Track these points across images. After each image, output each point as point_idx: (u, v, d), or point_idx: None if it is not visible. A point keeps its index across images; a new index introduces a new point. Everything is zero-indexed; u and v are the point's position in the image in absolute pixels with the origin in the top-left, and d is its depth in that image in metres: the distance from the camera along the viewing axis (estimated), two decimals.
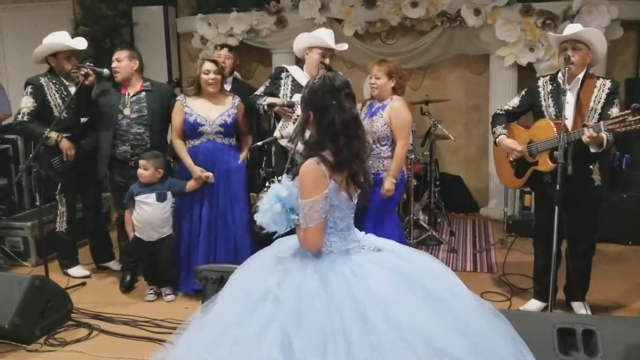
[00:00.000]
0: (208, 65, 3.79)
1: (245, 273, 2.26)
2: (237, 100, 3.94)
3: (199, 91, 3.83)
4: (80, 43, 4.09)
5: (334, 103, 2.11)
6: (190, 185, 3.80)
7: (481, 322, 2.06)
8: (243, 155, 3.95)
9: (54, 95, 4.01)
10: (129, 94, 3.98)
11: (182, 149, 3.82)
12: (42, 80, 4.01)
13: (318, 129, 2.13)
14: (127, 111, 3.94)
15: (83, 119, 4.11)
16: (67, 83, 4.07)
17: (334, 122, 2.10)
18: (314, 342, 1.89)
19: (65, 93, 4.04)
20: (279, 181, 2.14)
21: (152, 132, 3.95)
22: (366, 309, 1.94)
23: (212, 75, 3.78)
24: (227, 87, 4.43)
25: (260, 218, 2.12)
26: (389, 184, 3.52)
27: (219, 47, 4.71)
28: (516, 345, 2.10)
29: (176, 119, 3.83)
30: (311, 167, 2.07)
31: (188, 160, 3.78)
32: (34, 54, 4.03)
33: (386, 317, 1.93)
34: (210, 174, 3.78)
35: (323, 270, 2.08)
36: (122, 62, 3.94)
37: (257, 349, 1.91)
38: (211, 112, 3.81)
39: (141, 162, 3.71)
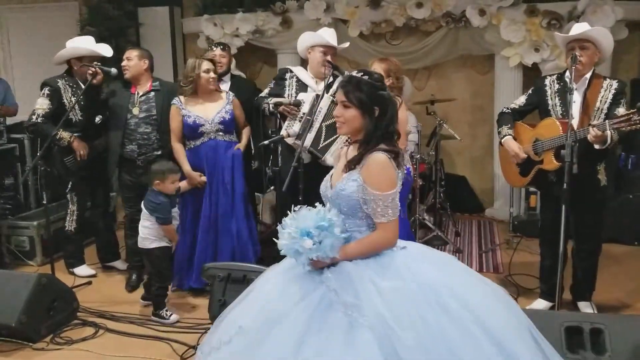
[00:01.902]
0: (207, 65, 3.81)
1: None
2: (232, 95, 3.96)
3: (195, 90, 3.82)
4: (107, 50, 4.07)
5: (390, 94, 2.13)
6: (183, 186, 3.77)
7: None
8: (242, 143, 3.95)
9: (70, 98, 4.00)
10: (138, 94, 3.99)
11: (181, 153, 3.82)
12: (60, 83, 4.00)
13: (380, 122, 2.10)
14: (135, 111, 3.95)
15: (97, 119, 4.09)
16: (84, 87, 4.07)
17: (395, 112, 2.13)
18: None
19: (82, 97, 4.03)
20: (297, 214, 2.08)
21: (161, 132, 3.95)
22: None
23: (212, 74, 3.81)
24: (227, 84, 4.42)
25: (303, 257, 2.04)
26: None
27: (213, 47, 4.69)
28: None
29: (174, 122, 3.83)
30: (384, 159, 2.06)
31: (186, 166, 3.79)
32: (59, 54, 4.00)
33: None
34: (204, 179, 3.79)
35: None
36: (131, 60, 3.96)
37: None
38: (208, 110, 3.83)
39: (175, 176, 3.54)
